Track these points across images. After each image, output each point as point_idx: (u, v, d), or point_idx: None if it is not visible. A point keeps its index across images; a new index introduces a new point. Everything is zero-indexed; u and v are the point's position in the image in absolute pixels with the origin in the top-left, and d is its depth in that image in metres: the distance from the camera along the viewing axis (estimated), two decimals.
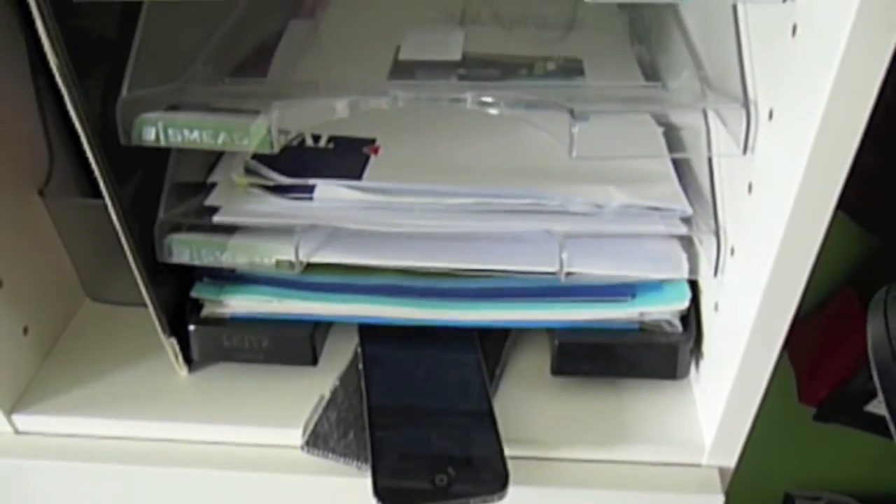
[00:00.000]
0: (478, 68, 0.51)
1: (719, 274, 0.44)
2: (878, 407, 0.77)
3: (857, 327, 0.40)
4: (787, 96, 0.35)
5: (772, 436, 0.68)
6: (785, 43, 0.35)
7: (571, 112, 0.39)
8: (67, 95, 0.39)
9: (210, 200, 0.48)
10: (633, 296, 0.47)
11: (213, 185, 0.49)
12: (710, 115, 0.42)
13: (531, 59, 0.52)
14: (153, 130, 0.41)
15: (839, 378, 0.77)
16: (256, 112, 0.41)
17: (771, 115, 0.37)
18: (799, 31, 0.34)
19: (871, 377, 0.40)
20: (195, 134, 0.41)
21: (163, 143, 0.41)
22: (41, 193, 0.51)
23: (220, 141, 0.41)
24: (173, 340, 0.49)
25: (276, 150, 0.41)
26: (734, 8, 0.41)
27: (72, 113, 0.39)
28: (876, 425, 0.79)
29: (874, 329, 0.37)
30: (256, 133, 0.41)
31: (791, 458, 0.93)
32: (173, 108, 0.42)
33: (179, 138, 0.41)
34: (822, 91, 0.31)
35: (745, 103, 0.39)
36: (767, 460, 0.88)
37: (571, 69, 0.52)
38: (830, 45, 0.31)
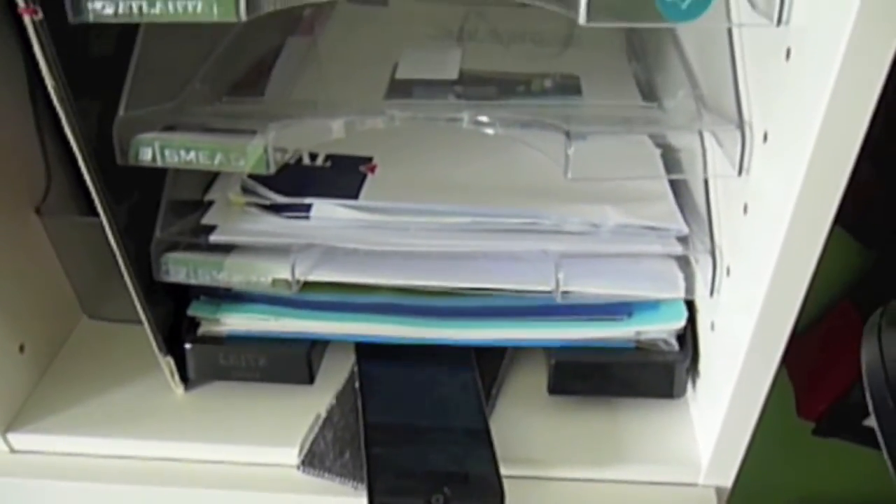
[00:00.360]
0: (475, 86, 0.51)
1: (715, 293, 0.44)
2: None
3: (856, 341, 0.40)
4: (781, 119, 0.35)
5: (771, 449, 0.68)
6: (779, 66, 0.35)
7: (567, 134, 0.40)
8: (64, 116, 0.39)
9: (207, 219, 0.48)
10: (630, 315, 0.47)
11: (210, 203, 0.49)
12: (706, 136, 0.42)
13: (528, 77, 0.52)
14: (150, 151, 0.41)
15: (838, 392, 0.77)
16: (253, 132, 0.41)
17: (766, 138, 0.37)
18: (793, 54, 0.34)
19: None
20: (192, 154, 0.41)
21: (159, 163, 0.41)
22: (38, 211, 0.51)
23: (216, 161, 0.41)
24: (170, 359, 0.48)
25: (273, 170, 0.41)
26: (729, 31, 0.41)
27: (68, 133, 0.40)
28: (875, 440, 0.79)
29: (868, 353, 0.37)
30: (253, 153, 0.41)
31: (790, 471, 0.93)
32: (170, 128, 0.42)
33: (176, 159, 0.41)
34: (816, 115, 0.31)
35: (740, 125, 0.39)
36: (766, 474, 0.87)
37: (568, 86, 0.52)
38: (824, 68, 0.31)
